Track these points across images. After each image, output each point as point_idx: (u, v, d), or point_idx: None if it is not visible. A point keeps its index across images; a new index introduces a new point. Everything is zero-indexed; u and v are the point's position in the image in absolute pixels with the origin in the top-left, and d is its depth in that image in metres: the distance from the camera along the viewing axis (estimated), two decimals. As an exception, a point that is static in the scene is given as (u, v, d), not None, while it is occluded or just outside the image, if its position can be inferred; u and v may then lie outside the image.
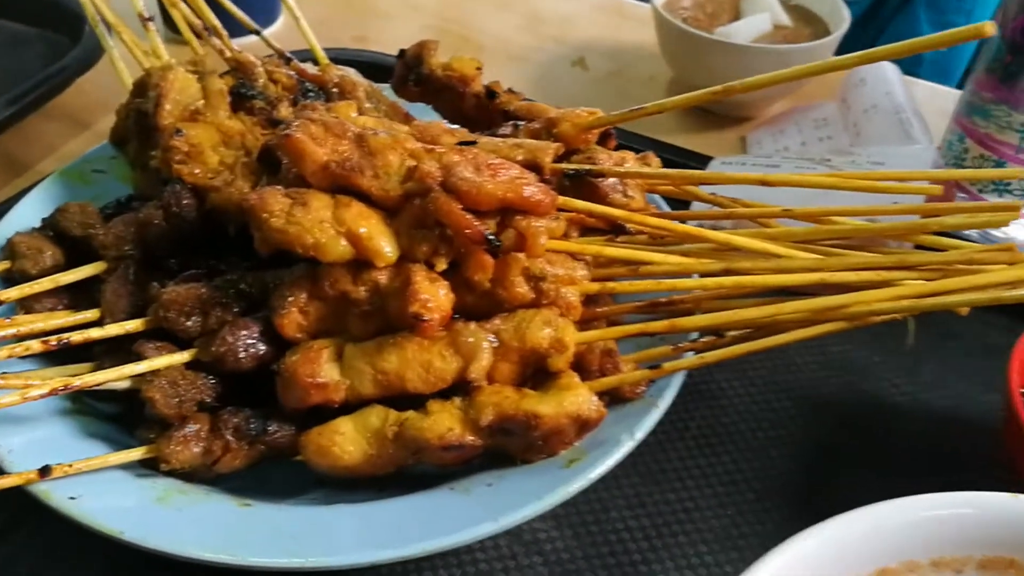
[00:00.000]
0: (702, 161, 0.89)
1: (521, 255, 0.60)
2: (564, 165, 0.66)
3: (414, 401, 0.59)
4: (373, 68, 1.01)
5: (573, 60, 1.18)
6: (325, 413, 0.59)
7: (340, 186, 0.60)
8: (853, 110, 0.95)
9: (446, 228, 0.59)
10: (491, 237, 0.59)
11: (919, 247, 0.64)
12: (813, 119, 0.97)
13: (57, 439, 0.60)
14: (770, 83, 0.61)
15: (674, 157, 0.90)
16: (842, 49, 1.06)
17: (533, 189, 0.59)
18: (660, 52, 1.08)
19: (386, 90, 0.84)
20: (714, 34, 1.01)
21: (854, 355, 0.76)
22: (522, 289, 0.60)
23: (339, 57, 0.96)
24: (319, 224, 0.59)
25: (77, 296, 0.67)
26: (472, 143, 0.63)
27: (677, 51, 1.05)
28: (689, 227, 0.63)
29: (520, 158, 0.65)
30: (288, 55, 0.84)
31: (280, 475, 0.61)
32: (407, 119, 0.83)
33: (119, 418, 0.64)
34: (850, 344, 0.76)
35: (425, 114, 0.82)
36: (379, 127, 0.67)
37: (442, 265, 0.59)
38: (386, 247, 0.59)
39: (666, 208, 0.75)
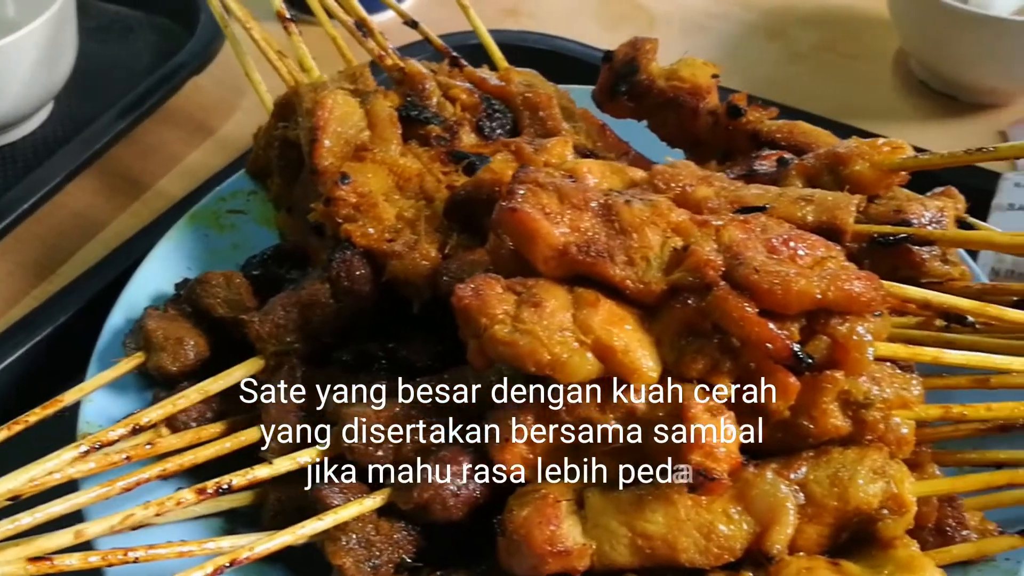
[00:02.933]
0: (985, 178, 0.69)
1: (838, 373, 0.43)
2: (873, 227, 0.48)
3: (685, 572, 0.43)
4: (545, 57, 0.85)
5: (769, 31, 0.97)
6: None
7: (580, 275, 0.44)
8: None
9: (730, 337, 0.42)
10: (800, 352, 0.42)
11: None
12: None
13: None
14: None
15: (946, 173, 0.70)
16: None
17: (860, 284, 0.42)
18: (888, 19, 0.87)
19: (573, 92, 0.67)
20: (968, 3, 0.80)
21: None
22: (837, 420, 0.43)
23: (499, 41, 0.79)
24: (558, 333, 0.42)
25: (228, 394, 0.53)
26: (760, 209, 0.46)
27: (916, 22, 0.84)
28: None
29: (811, 219, 0.48)
30: (456, 56, 0.67)
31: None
32: (604, 134, 0.66)
33: (288, 558, 0.50)
34: None
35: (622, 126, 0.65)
36: (611, 179, 0.50)
37: (727, 389, 0.43)
38: (647, 362, 0.43)
39: (971, 263, 0.57)
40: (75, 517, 0.44)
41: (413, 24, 0.70)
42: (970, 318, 0.47)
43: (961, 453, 0.48)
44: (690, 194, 0.49)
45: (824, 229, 0.47)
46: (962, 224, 0.55)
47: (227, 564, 0.42)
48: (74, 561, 0.41)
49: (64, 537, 0.42)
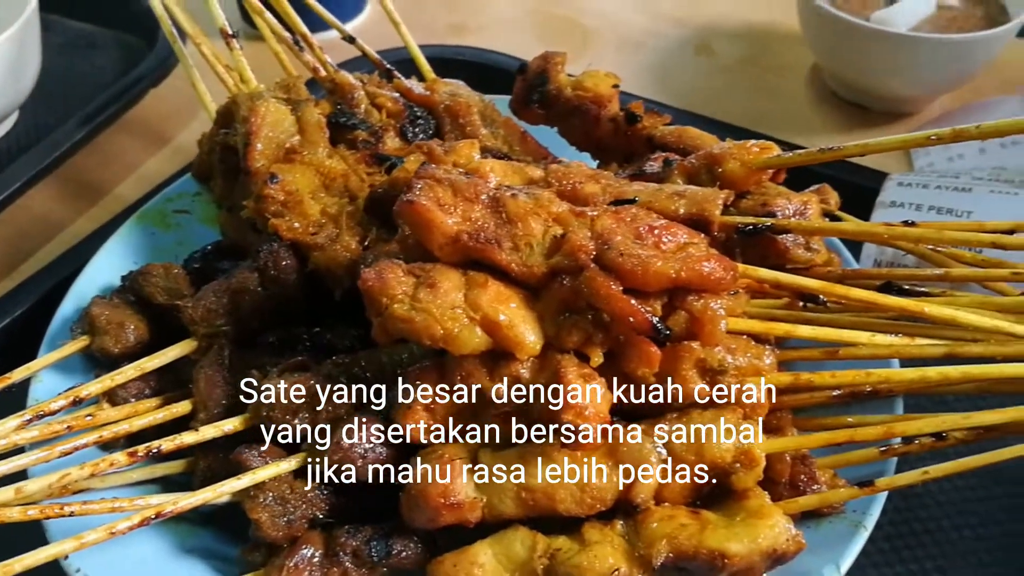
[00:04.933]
0: (872, 178, 0.75)
1: (695, 343, 0.49)
2: (737, 218, 0.54)
3: (565, 520, 0.49)
4: (479, 70, 0.90)
5: (697, 46, 1.03)
6: (458, 528, 0.50)
7: (473, 260, 0.50)
8: (1042, 106, 0.80)
9: (601, 312, 0.48)
10: (659, 325, 0.47)
11: None
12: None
13: (149, 561, 0.51)
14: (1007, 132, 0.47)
15: (834, 172, 0.76)
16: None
17: (712, 265, 0.48)
18: (802, 35, 0.94)
19: (499, 102, 0.73)
20: (869, 20, 0.86)
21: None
22: (696, 385, 0.49)
23: (438, 55, 0.85)
24: (450, 311, 0.48)
25: (164, 374, 0.58)
26: (631, 201, 0.52)
27: (823, 38, 0.91)
28: (903, 301, 0.50)
29: (682, 211, 0.53)
30: (389, 67, 0.73)
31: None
32: (525, 140, 0.72)
33: (216, 518, 0.55)
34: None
35: (544, 132, 0.71)
36: (512, 177, 0.56)
37: (597, 358, 0.48)
38: (529, 336, 0.49)
39: (846, 252, 0.63)
40: (19, 477, 0.49)
41: (351, 40, 0.75)
42: (822, 297, 0.53)
43: (818, 419, 0.54)
44: (579, 190, 0.55)
45: (694, 220, 0.53)
46: (832, 218, 0.61)
47: (153, 516, 0.47)
48: (15, 513, 0.46)
49: (7, 493, 0.47)
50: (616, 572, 0.46)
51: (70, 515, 0.47)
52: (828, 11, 0.86)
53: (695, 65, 1.01)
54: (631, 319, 0.47)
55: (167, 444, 0.50)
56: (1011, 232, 0.53)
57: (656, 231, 0.49)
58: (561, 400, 0.47)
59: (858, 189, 0.73)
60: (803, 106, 0.94)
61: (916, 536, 0.58)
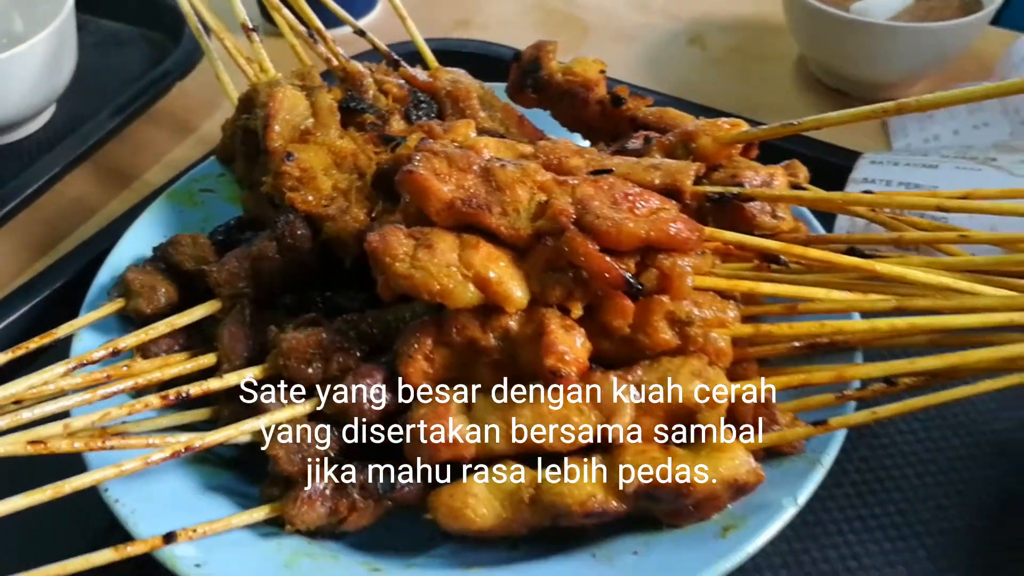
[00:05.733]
0: (847, 157, 0.80)
1: (664, 298, 0.54)
2: (707, 188, 0.60)
3: (549, 456, 0.54)
4: (481, 61, 0.96)
5: (689, 38, 1.09)
6: (455, 466, 0.55)
7: (466, 224, 0.56)
8: (1015, 91, 0.85)
9: (581, 270, 0.53)
10: (631, 280, 0.53)
11: None
12: (967, 104, 0.86)
13: (178, 494, 0.57)
14: (953, 102, 0.52)
15: (812, 152, 0.81)
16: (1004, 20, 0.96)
17: (679, 226, 0.53)
18: (787, 27, 0.99)
19: (499, 90, 0.78)
20: (849, 10, 0.91)
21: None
22: (666, 335, 0.54)
23: (443, 48, 0.91)
24: (445, 268, 0.54)
25: (192, 333, 0.65)
26: (608, 171, 0.57)
27: (806, 29, 0.96)
28: (854, 259, 0.56)
29: (657, 182, 0.59)
30: (396, 58, 0.79)
31: (406, 526, 0.57)
32: (522, 124, 0.77)
33: (240, 463, 0.61)
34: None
35: (541, 117, 0.76)
36: (504, 152, 0.62)
37: (577, 311, 0.54)
38: (517, 291, 0.54)
39: (814, 222, 0.68)
40: (64, 417, 0.55)
41: (361, 33, 0.81)
42: (783, 258, 0.58)
43: (782, 368, 0.59)
44: (564, 163, 0.60)
45: (668, 190, 0.58)
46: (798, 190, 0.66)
47: (183, 450, 0.53)
48: (62, 445, 0.52)
49: (55, 428, 0.53)
50: (592, 499, 0.52)
51: (110, 448, 0.53)
52: (810, 3, 0.91)
53: (687, 56, 1.07)
54: (607, 275, 0.53)
55: (195, 389, 0.56)
56: (963, 199, 0.59)
57: (631, 198, 0.55)
58: (544, 346, 0.53)
59: (835, 168, 0.79)
60: (789, 93, 0.99)
61: (880, 483, 0.63)
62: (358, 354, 0.59)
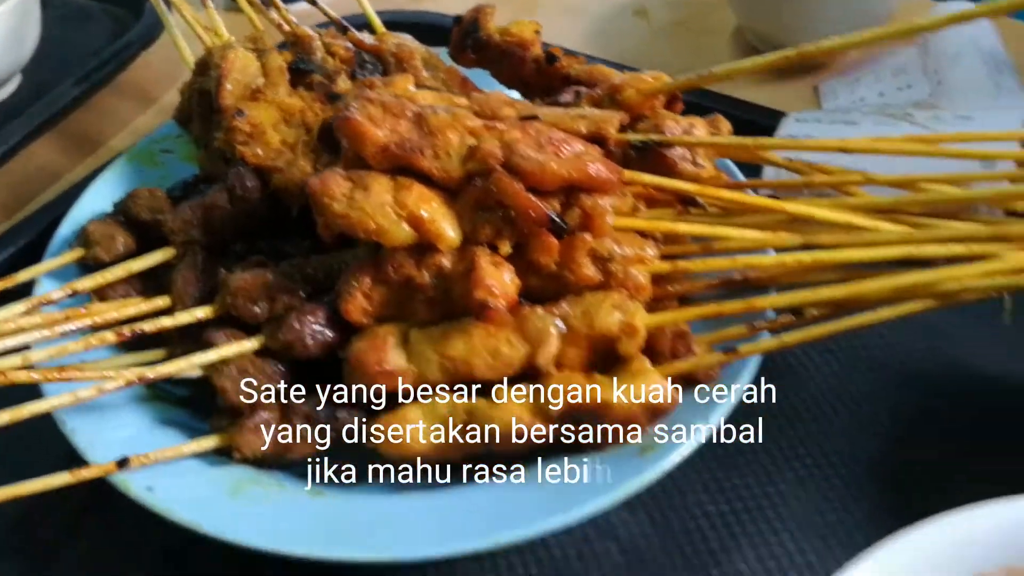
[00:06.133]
0: (774, 117, 0.84)
1: (587, 235, 0.58)
2: (630, 136, 0.63)
3: (482, 387, 0.58)
4: (432, 31, 0.99)
5: (634, 10, 1.13)
6: (392, 399, 0.59)
7: (400, 167, 0.59)
8: (934, 55, 0.89)
9: (509, 210, 0.57)
10: (555, 218, 0.57)
11: (1014, 215, 0.60)
12: (892, 68, 0.91)
13: (133, 428, 0.61)
14: (847, 47, 0.56)
15: (743, 114, 0.85)
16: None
17: (598, 167, 0.57)
18: (726, -1, 1.03)
19: (444, 55, 0.82)
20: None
21: (943, 321, 0.72)
22: (589, 271, 0.58)
23: (396, 20, 0.94)
24: (380, 208, 0.57)
25: (148, 281, 0.68)
26: (534, 117, 0.61)
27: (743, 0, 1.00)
28: (764, 199, 0.60)
29: (583, 130, 0.63)
30: (344, 24, 0.82)
31: (350, 458, 0.61)
32: (465, 85, 0.81)
33: (192, 402, 0.65)
34: (950, 315, 0.72)
35: (484, 79, 0.80)
36: (439, 103, 0.65)
37: (506, 248, 0.58)
38: (448, 230, 0.58)
39: (739, 174, 0.72)
40: (24, 350, 0.58)
41: (312, 2, 0.85)
42: (701, 200, 0.62)
43: (698, 303, 0.63)
44: (496, 111, 0.64)
45: (593, 138, 0.62)
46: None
47: (135, 379, 0.57)
48: (20, 376, 0.55)
49: (14, 361, 0.56)
50: (520, 421, 0.56)
51: (67, 380, 0.56)
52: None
53: (632, 28, 1.11)
54: (532, 213, 0.57)
55: (148, 326, 0.60)
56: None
57: (556, 142, 0.59)
58: (473, 280, 0.57)
59: (765, 129, 0.82)
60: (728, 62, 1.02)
61: (798, 415, 0.67)
62: (302, 295, 0.62)
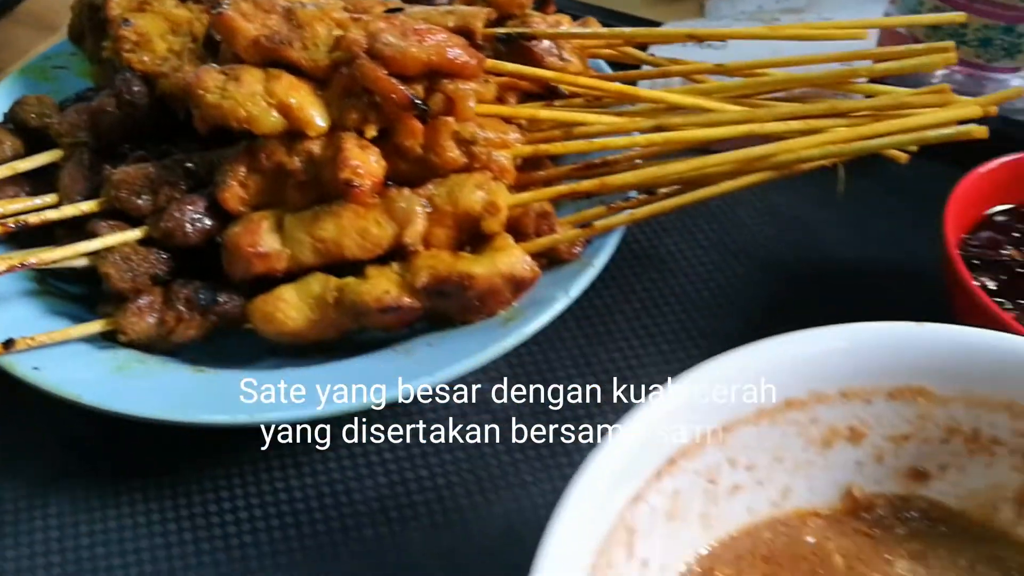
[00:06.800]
0: (652, 27, 0.88)
1: (451, 119, 0.61)
2: (497, 29, 0.67)
3: (355, 268, 0.61)
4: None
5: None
6: (271, 283, 0.62)
7: (271, 60, 0.62)
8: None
9: (374, 95, 0.60)
10: (418, 101, 0.60)
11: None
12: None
13: (22, 317, 0.63)
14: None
15: (620, 24, 0.88)
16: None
17: (458, 52, 0.60)
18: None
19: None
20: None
21: (802, 213, 0.77)
22: (453, 153, 0.62)
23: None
24: (251, 97, 0.60)
25: (37, 184, 0.70)
26: (399, 10, 0.64)
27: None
28: (622, 86, 0.63)
29: (451, 24, 0.65)
30: (238, -57, 0.84)
31: (234, 346, 0.64)
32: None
33: (83, 298, 0.67)
34: (799, 202, 0.77)
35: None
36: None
37: (372, 132, 0.61)
38: (316, 117, 0.61)
39: (607, 69, 0.75)
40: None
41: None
42: (563, 89, 0.66)
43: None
44: (365, 6, 0.67)
45: (461, 31, 0.65)
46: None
47: (19, 264, 0.59)
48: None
49: None
50: (388, 294, 0.59)
51: (-51, 267, 0.58)
52: None
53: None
54: (394, 96, 0.60)
55: (33, 218, 0.62)
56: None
57: (420, 31, 0.62)
58: (339, 163, 0.60)
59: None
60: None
61: (664, 298, 0.72)
62: (184, 187, 0.65)
